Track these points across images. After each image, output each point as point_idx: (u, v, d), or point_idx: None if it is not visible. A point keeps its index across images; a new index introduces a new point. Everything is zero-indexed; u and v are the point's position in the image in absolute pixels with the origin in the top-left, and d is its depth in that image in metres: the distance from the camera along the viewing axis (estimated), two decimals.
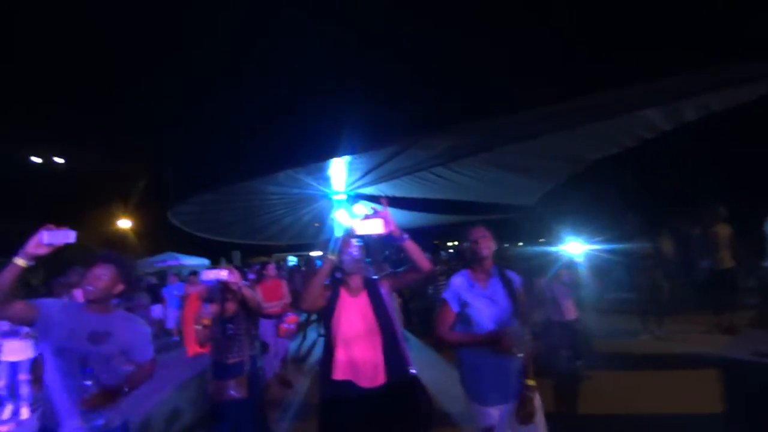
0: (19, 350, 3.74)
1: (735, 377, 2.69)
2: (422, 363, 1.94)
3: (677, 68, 3.20)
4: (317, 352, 6.15)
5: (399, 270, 2.14)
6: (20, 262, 1.47)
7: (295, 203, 8.62)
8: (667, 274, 5.54)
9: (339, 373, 1.77)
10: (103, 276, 1.74)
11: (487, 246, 1.94)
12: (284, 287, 4.50)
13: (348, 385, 1.76)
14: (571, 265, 3.07)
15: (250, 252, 17.17)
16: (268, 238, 10.58)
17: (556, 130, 4.36)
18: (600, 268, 4.99)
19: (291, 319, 3.68)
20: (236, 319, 2.50)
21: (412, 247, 1.84)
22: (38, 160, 17.53)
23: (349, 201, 8.77)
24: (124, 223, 17.94)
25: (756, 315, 5.60)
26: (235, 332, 2.45)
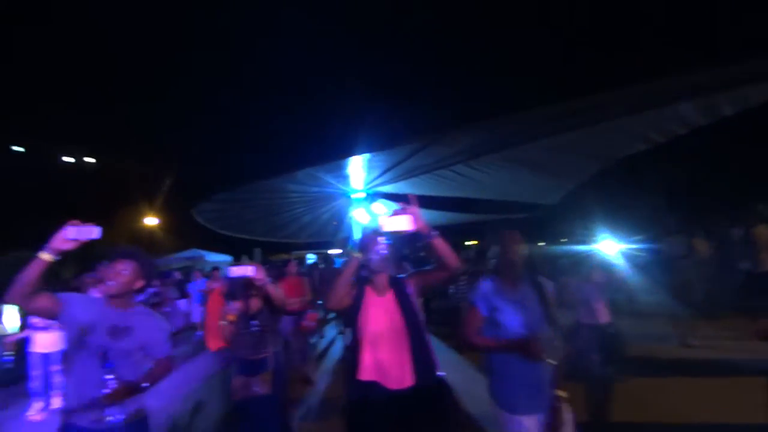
0: (50, 342, 3.89)
1: None
2: (444, 364, 1.87)
3: (713, 59, 3.02)
4: (335, 350, 6.16)
5: (426, 268, 2.08)
6: (46, 256, 1.50)
7: (314, 201, 8.68)
8: (702, 276, 5.27)
9: (365, 374, 1.72)
10: (123, 271, 1.76)
11: (519, 250, 1.88)
12: (305, 284, 4.52)
13: (375, 386, 1.71)
14: (603, 266, 2.92)
15: (271, 249, 17.44)
16: (287, 235, 10.71)
17: (584, 125, 4.20)
18: (632, 268, 4.80)
19: (311, 316, 3.69)
20: (260, 315, 2.51)
21: (441, 245, 1.77)
22: (70, 160, 18.30)
23: (368, 199, 8.76)
24: (151, 221, 18.52)
25: None
26: (259, 329, 2.47)
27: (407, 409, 1.66)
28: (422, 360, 1.73)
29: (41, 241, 1.52)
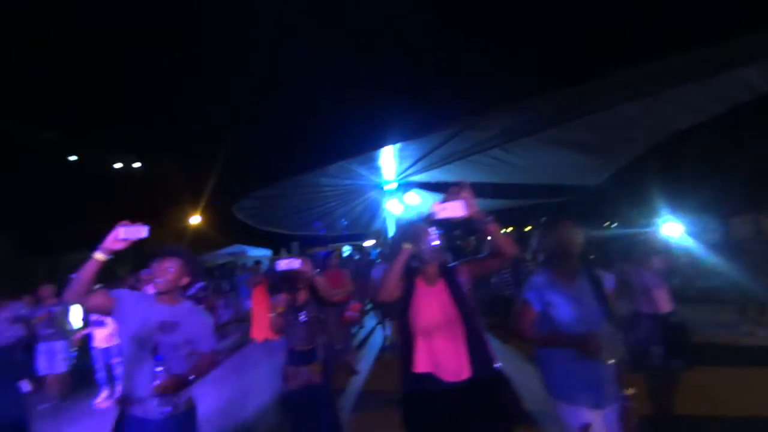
0: (107, 337, 4.17)
1: None
2: None
3: None
4: (375, 340, 6.20)
5: (478, 256, 2.00)
6: (99, 256, 1.59)
7: (347, 194, 8.74)
8: None
9: (420, 366, 1.67)
10: (170, 268, 1.84)
11: (576, 242, 1.76)
12: (346, 276, 4.57)
13: (430, 378, 1.66)
14: (665, 250, 2.68)
15: (308, 243, 17.83)
16: (323, 228, 10.89)
17: (634, 98, 3.91)
18: (695, 251, 4.40)
19: (354, 307, 3.73)
20: (308, 306, 2.56)
21: (495, 231, 1.69)
22: (119, 166, 19.57)
23: (401, 189, 8.70)
24: (196, 219, 19.46)
25: None
26: (307, 320, 2.51)
27: (465, 402, 1.60)
28: (478, 351, 1.66)
29: (98, 242, 1.60)
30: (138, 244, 1.65)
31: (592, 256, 1.88)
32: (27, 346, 4.65)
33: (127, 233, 1.57)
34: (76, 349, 4.64)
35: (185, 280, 1.89)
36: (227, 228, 15.90)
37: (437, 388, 1.63)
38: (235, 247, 16.10)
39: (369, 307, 7.80)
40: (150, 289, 1.85)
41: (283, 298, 2.56)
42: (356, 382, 4.22)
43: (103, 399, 4.24)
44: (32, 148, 16.96)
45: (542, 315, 1.79)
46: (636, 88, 3.67)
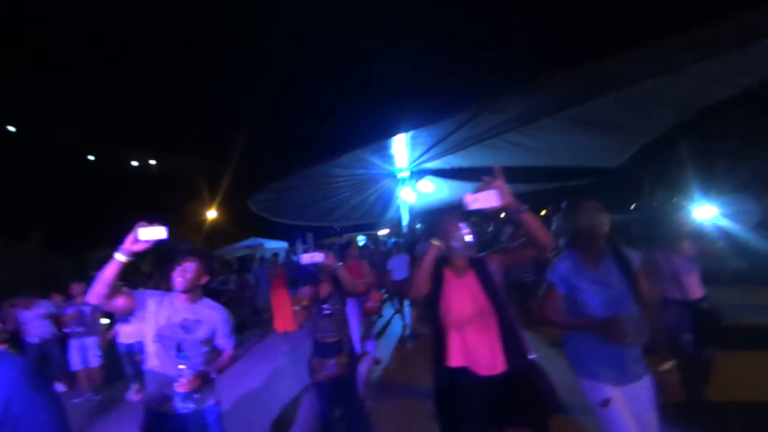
0: (132, 333, 4.28)
1: None
2: None
3: None
4: (394, 329, 6.22)
5: (511, 245, 1.95)
6: (120, 257, 1.60)
7: (361, 184, 8.72)
8: None
9: (453, 360, 1.64)
10: (189, 269, 1.88)
11: (603, 223, 1.70)
12: (365, 267, 4.57)
13: (464, 372, 1.63)
14: (696, 234, 2.56)
15: (323, 234, 17.96)
16: (337, 219, 10.94)
17: (657, 74, 3.73)
18: (728, 233, 4.20)
19: (375, 297, 3.74)
20: (332, 299, 2.57)
21: (531, 220, 1.61)
22: (135, 164, 19.96)
23: (414, 177, 8.63)
24: (212, 214, 19.79)
25: None
26: (331, 312, 2.52)
27: (500, 396, 1.57)
28: (512, 343, 1.62)
29: (120, 239, 1.61)
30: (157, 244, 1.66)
31: (616, 241, 1.80)
32: (60, 343, 4.83)
33: (146, 234, 1.58)
34: (105, 344, 4.80)
35: (204, 279, 1.93)
36: (243, 221, 16.12)
37: (471, 382, 1.60)
38: (252, 240, 16.33)
39: (386, 296, 7.82)
40: (175, 286, 1.87)
41: (306, 291, 2.57)
42: (377, 372, 4.25)
43: (133, 392, 4.38)
44: (52, 148, 17.42)
45: (567, 298, 1.76)
46: (661, 63, 3.49)
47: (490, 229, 7.19)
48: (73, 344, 4.64)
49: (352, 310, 3.00)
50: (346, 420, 2.62)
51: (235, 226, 18.81)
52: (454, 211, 1.76)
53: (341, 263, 2.54)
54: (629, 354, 1.62)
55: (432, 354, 1.72)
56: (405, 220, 9.25)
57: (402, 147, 6.65)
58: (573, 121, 5.08)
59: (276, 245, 16.30)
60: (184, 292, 1.88)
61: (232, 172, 19.12)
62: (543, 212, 9.81)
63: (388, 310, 7.50)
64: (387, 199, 9.97)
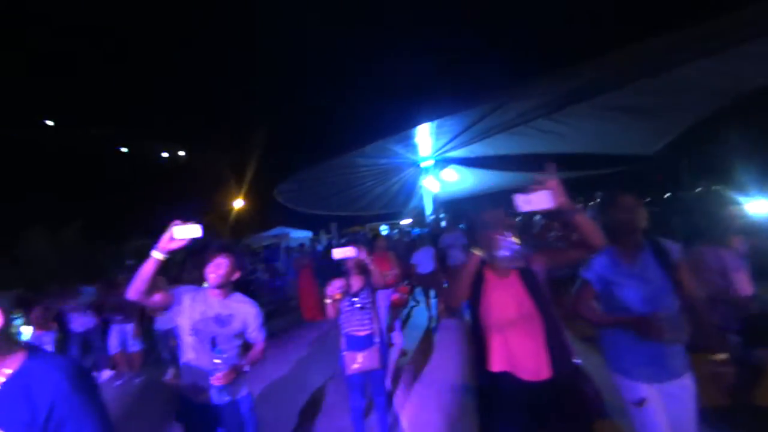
0: (167, 320, 4.46)
1: None
2: None
3: None
4: (417, 320, 6.23)
5: (558, 245, 1.89)
6: (157, 255, 1.65)
7: (384, 173, 8.69)
8: None
9: (496, 365, 1.57)
10: (223, 264, 1.93)
11: (641, 218, 1.63)
12: (393, 259, 4.56)
13: (508, 377, 1.55)
14: (748, 229, 2.39)
15: (346, 223, 18.08)
16: (360, 208, 10.99)
17: (701, 56, 3.49)
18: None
19: (403, 289, 3.74)
20: (363, 292, 2.59)
21: (583, 222, 1.48)
22: (165, 155, 20.63)
23: (438, 166, 8.51)
24: (239, 203, 20.28)
25: None
26: (362, 305, 2.55)
27: (544, 402, 1.51)
28: (558, 347, 1.53)
29: (150, 226, 1.66)
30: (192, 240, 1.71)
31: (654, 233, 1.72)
32: (102, 331, 5.11)
33: (181, 233, 1.62)
34: (141, 331, 5.04)
35: (237, 275, 1.98)
36: (269, 211, 16.44)
37: (515, 387, 1.54)
38: (278, 229, 16.64)
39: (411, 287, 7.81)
40: (209, 282, 1.93)
41: (338, 284, 2.60)
42: (404, 362, 4.28)
43: (170, 376, 4.59)
44: (87, 140, 18.20)
45: (603, 295, 1.71)
46: (703, 45, 3.26)
47: (518, 219, 7.04)
48: (114, 330, 4.91)
49: (380, 301, 3.00)
50: (375, 412, 2.66)
51: (261, 215, 19.22)
52: (495, 210, 1.64)
53: (371, 256, 2.54)
54: (668, 349, 1.56)
55: (472, 358, 1.67)
56: (428, 210, 9.19)
57: (426, 136, 6.55)
58: (605, 107, 4.86)
59: (301, 234, 16.57)
60: (218, 287, 1.93)
61: (258, 163, 19.48)
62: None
63: (411, 301, 7.51)
64: (410, 189, 9.91)
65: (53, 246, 11.58)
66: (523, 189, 1.47)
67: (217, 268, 1.91)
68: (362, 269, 2.60)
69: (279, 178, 8.21)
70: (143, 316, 4.96)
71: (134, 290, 1.70)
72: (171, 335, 4.47)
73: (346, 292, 2.56)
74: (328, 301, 2.53)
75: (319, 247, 12.07)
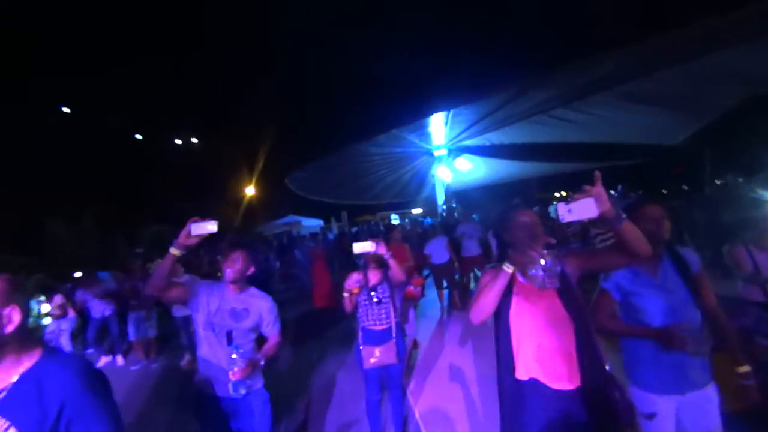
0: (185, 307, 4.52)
1: None
2: None
3: None
4: (431, 313, 6.20)
5: (595, 248, 1.80)
6: (175, 251, 1.67)
7: (396, 162, 8.60)
8: None
9: (523, 372, 1.51)
10: (238, 259, 1.93)
11: (666, 228, 1.59)
12: (407, 251, 4.51)
13: (536, 385, 1.49)
14: None
15: (357, 212, 18.07)
16: (372, 197, 10.95)
17: (731, 44, 3.32)
18: None
19: (417, 281, 3.70)
20: (381, 287, 2.56)
21: (629, 231, 1.35)
22: (179, 142, 20.79)
23: (451, 155, 8.38)
24: (251, 191, 20.40)
25: None
26: (380, 299, 2.52)
27: (575, 412, 1.45)
28: (589, 354, 1.45)
29: (164, 213, 1.65)
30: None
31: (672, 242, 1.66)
32: (120, 317, 5.22)
33: (198, 229, 1.63)
34: (161, 315, 5.13)
35: (251, 270, 1.99)
36: (282, 199, 16.52)
37: (543, 396, 1.48)
38: (290, 218, 16.75)
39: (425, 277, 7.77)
40: (225, 277, 1.93)
41: (356, 277, 2.57)
42: (416, 354, 4.27)
43: (186, 361, 4.68)
44: (102, 127, 18.40)
45: (623, 305, 1.66)
46: (734, 33, 3.08)
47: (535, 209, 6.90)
48: (131, 316, 5.00)
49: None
50: (390, 404, 2.66)
51: (273, 203, 19.31)
52: (526, 212, 1.54)
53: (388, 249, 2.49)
54: (691, 361, 1.52)
55: (498, 364, 1.59)
56: (440, 199, 9.09)
57: (440, 124, 6.43)
58: (628, 96, 4.68)
59: (313, 223, 16.66)
60: (233, 282, 1.93)
61: (270, 151, 19.50)
62: None
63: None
64: (422, 178, 9.81)
65: (72, 233, 11.82)
66: (566, 198, 1.38)
67: (233, 263, 1.92)
68: (380, 263, 2.56)
69: (291, 166, 8.19)
70: (160, 303, 5.03)
71: (153, 286, 1.72)
72: (190, 321, 4.54)
73: (364, 286, 2.53)
74: (345, 294, 2.51)
75: (330, 236, 12.09)
